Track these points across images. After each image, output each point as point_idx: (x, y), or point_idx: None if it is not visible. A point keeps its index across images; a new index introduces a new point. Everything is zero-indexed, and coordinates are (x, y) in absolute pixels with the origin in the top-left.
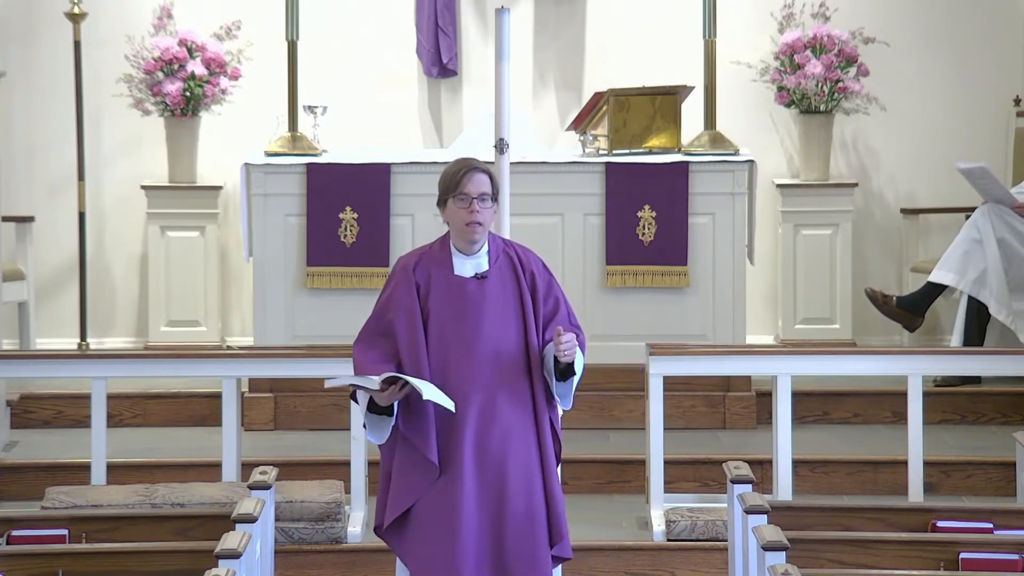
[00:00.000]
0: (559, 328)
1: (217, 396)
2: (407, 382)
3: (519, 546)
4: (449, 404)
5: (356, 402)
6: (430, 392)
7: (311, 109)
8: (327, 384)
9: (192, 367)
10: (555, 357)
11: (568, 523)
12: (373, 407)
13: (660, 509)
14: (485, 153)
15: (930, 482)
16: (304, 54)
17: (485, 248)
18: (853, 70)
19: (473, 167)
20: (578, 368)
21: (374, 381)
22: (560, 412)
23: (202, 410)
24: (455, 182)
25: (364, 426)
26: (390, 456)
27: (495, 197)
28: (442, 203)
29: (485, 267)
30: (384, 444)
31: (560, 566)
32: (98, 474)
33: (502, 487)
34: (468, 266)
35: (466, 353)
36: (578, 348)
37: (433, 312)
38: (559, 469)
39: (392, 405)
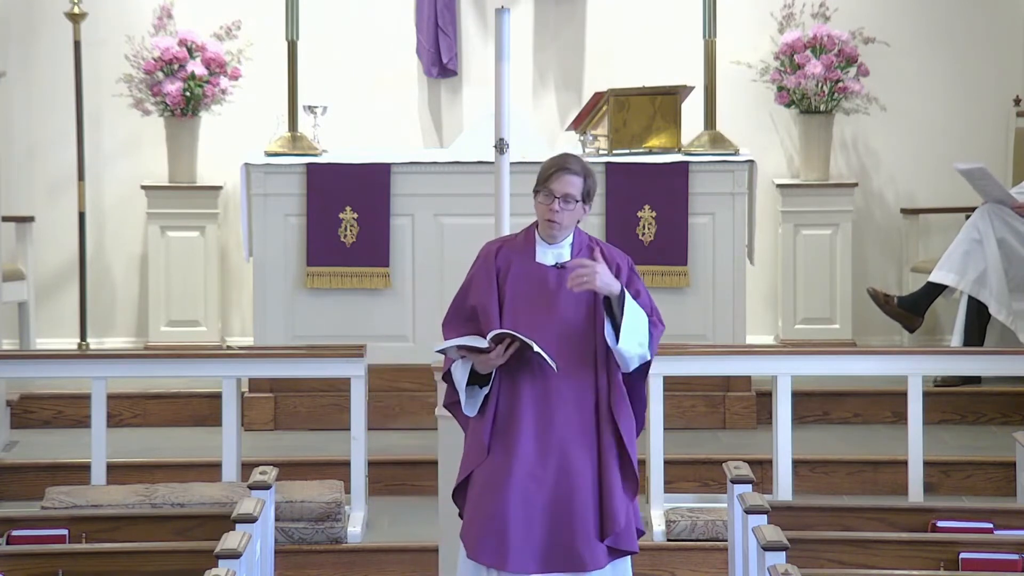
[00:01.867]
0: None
1: (217, 396)
2: (513, 342)
3: (572, 533)
4: (554, 364)
5: (447, 381)
6: (539, 347)
7: (311, 109)
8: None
9: (192, 367)
10: (608, 303)
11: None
12: (468, 380)
13: (660, 509)
14: (485, 153)
15: (930, 482)
16: (304, 54)
17: (569, 240)
18: (853, 70)
19: (565, 167)
20: (630, 319)
21: (483, 340)
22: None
23: (202, 410)
24: (544, 176)
25: (447, 405)
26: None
27: (587, 198)
28: (535, 193)
29: (567, 257)
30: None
31: (628, 559)
32: (98, 474)
33: (561, 473)
34: (550, 255)
35: (538, 337)
36: (646, 317)
37: (509, 296)
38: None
39: (489, 375)
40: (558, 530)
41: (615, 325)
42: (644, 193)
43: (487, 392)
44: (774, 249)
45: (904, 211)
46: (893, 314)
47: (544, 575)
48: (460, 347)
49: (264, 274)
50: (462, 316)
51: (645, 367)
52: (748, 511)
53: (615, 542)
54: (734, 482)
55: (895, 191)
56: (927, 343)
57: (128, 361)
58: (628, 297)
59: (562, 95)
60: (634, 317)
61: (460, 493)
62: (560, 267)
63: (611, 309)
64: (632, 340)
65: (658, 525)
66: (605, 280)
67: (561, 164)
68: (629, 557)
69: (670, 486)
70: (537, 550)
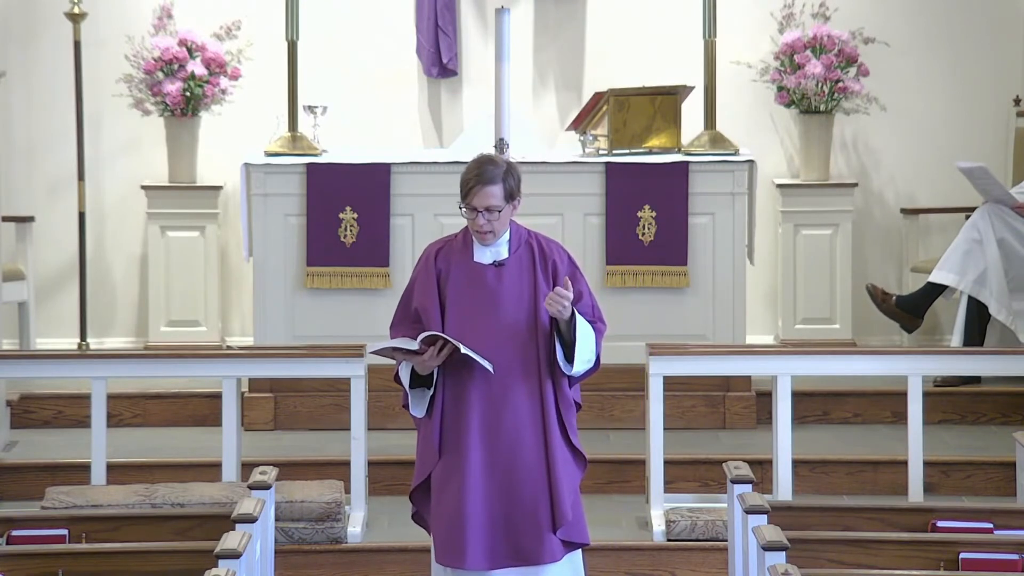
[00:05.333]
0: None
1: (217, 396)
2: (446, 343)
3: (525, 527)
4: (487, 364)
5: (398, 382)
6: (468, 349)
7: (311, 109)
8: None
9: (192, 367)
10: (558, 326)
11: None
12: (414, 381)
13: (660, 509)
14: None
15: (930, 482)
16: (304, 54)
17: (506, 238)
18: (853, 70)
19: (480, 180)
20: (581, 343)
21: (413, 343)
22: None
23: (202, 410)
24: (465, 191)
25: (404, 406)
26: None
27: (511, 197)
28: (459, 206)
29: (504, 255)
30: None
31: (580, 552)
32: (98, 474)
33: (512, 469)
34: (488, 254)
35: (481, 338)
36: (592, 331)
37: (451, 298)
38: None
39: (432, 377)
40: (512, 525)
41: (565, 345)
42: (644, 193)
43: (432, 393)
44: (774, 249)
45: (904, 211)
46: (890, 312)
47: (502, 570)
48: (395, 349)
49: (264, 274)
50: (408, 319)
51: (590, 368)
52: (748, 511)
53: (567, 534)
54: (734, 482)
55: (895, 191)
56: (927, 343)
57: (128, 361)
58: (578, 320)
59: (562, 95)
60: (584, 340)
61: (417, 495)
62: (498, 265)
63: (559, 329)
64: (582, 360)
65: (658, 525)
66: (568, 311)
67: (477, 178)
68: (581, 550)
69: (670, 486)
70: (493, 546)
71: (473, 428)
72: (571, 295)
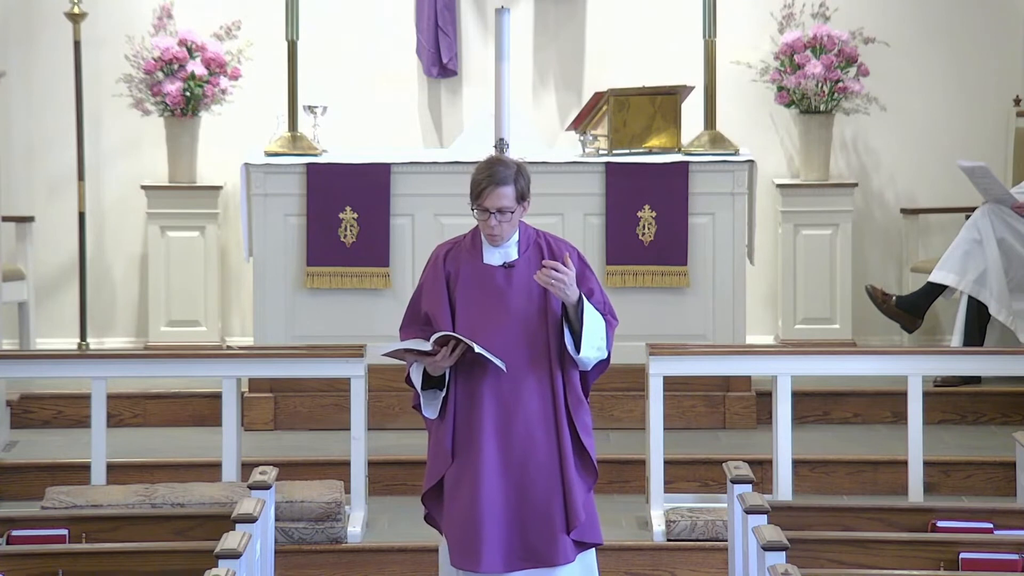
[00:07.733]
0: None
1: (217, 396)
2: (458, 344)
3: (539, 529)
4: (500, 363)
5: (410, 384)
6: (482, 347)
7: (311, 109)
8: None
9: (192, 367)
10: (567, 313)
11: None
12: (426, 383)
13: (660, 509)
14: (485, 153)
15: (930, 482)
16: (304, 54)
17: (515, 239)
18: (853, 70)
19: (493, 181)
20: (589, 328)
21: (426, 344)
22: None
23: (202, 410)
24: (476, 192)
25: (415, 407)
26: None
27: (522, 199)
28: (471, 207)
29: (514, 256)
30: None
31: (593, 551)
32: (98, 474)
33: (524, 471)
34: (497, 255)
35: (492, 339)
36: (602, 320)
37: (460, 299)
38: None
39: (444, 378)
40: (526, 527)
41: (574, 333)
42: (644, 193)
43: (445, 395)
44: (774, 249)
45: (904, 211)
46: (890, 313)
47: (515, 572)
48: (407, 351)
49: (264, 274)
50: (417, 321)
51: (602, 362)
52: (748, 511)
53: (580, 535)
54: (734, 482)
55: (895, 191)
56: (927, 343)
57: (128, 361)
58: (586, 304)
59: (562, 95)
60: (593, 324)
61: (429, 498)
62: (508, 266)
63: (567, 316)
64: (591, 346)
65: (658, 525)
66: (571, 290)
67: (489, 179)
68: (594, 549)
69: (670, 486)
70: (507, 549)
71: (486, 430)
72: (571, 272)
